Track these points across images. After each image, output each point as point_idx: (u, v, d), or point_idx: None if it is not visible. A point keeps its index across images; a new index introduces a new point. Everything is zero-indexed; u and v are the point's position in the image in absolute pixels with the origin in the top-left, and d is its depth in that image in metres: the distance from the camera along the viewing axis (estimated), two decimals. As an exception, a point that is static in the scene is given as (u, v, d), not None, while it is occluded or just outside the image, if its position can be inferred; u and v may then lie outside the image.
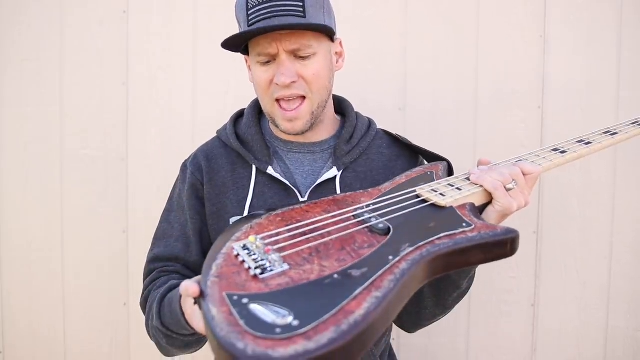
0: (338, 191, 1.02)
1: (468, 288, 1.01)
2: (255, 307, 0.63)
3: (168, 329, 0.90)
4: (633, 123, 1.03)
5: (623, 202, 1.48)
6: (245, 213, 1.01)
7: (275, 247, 0.74)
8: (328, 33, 0.99)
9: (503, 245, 0.78)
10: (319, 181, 1.02)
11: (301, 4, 0.92)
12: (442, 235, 0.77)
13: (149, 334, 1.00)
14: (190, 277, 1.01)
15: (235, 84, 1.54)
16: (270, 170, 1.03)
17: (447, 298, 1.01)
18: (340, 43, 1.06)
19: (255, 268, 0.69)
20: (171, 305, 0.88)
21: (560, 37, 1.48)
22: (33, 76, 1.57)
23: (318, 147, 1.07)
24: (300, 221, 0.82)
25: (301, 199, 1.02)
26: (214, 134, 1.14)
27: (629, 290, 1.49)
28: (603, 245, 1.49)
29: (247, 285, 0.67)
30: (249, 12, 0.93)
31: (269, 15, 0.91)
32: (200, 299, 0.68)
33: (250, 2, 0.93)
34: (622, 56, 1.45)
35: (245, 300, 0.63)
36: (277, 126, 1.03)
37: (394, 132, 1.14)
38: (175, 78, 1.56)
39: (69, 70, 1.57)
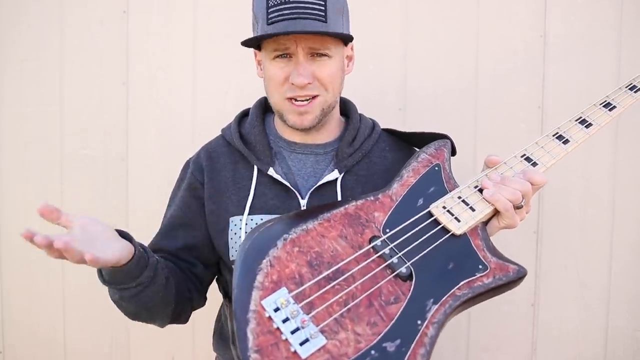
0: (338, 194, 1.02)
1: None
2: None
3: (107, 283, 0.91)
4: (629, 88, 1.03)
5: (623, 202, 1.48)
6: (246, 213, 1.02)
7: (310, 315, 0.75)
8: (348, 40, 1.00)
9: (512, 284, 0.85)
10: (319, 183, 1.02)
11: (323, 7, 0.93)
12: (461, 284, 0.82)
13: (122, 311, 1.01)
14: (173, 264, 1.04)
15: (235, 84, 1.54)
16: (271, 171, 1.03)
17: None
18: (352, 47, 1.07)
19: (294, 343, 0.72)
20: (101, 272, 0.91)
21: (560, 37, 1.48)
22: (33, 76, 1.57)
23: (321, 149, 1.08)
24: (320, 254, 0.82)
25: (302, 201, 1.02)
26: (215, 134, 1.15)
27: (629, 290, 1.49)
28: (603, 245, 1.49)
29: None
30: (269, 10, 0.93)
31: (292, 15, 0.91)
32: None
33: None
34: (622, 56, 1.45)
35: None
36: (284, 121, 1.02)
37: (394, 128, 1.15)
38: (175, 78, 1.56)
39: (69, 70, 1.57)
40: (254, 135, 1.07)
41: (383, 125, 1.17)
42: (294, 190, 1.02)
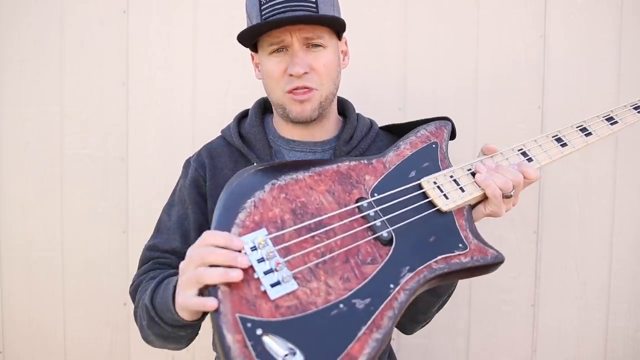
0: None
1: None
2: (268, 341, 0.67)
3: (154, 308, 0.88)
4: (634, 107, 1.03)
5: (623, 202, 1.48)
6: None
7: (285, 259, 0.75)
8: (340, 28, 1.02)
9: (488, 268, 0.84)
10: None
11: (314, 0, 0.95)
12: (439, 258, 0.82)
13: (135, 317, 0.99)
14: None
15: (235, 84, 1.54)
16: None
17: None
18: (346, 42, 1.09)
19: (266, 283, 0.71)
20: (168, 285, 0.86)
21: (560, 37, 1.48)
22: (33, 76, 1.57)
23: (320, 146, 1.08)
24: (305, 204, 0.82)
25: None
26: (215, 134, 1.15)
27: (629, 290, 1.49)
28: (603, 245, 1.49)
29: (258, 304, 0.70)
30: (262, 8, 0.95)
31: (284, 9, 0.94)
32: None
33: None
34: (622, 56, 1.46)
35: (259, 332, 0.67)
36: (286, 115, 1.03)
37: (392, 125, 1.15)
38: (175, 78, 1.56)
39: (69, 70, 1.57)
40: (253, 134, 1.08)
41: (383, 124, 1.17)
42: None
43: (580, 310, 1.50)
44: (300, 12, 0.94)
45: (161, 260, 1.05)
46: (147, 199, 1.56)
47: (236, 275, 0.70)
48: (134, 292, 1.02)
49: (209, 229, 1.05)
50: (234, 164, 1.07)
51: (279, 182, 0.83)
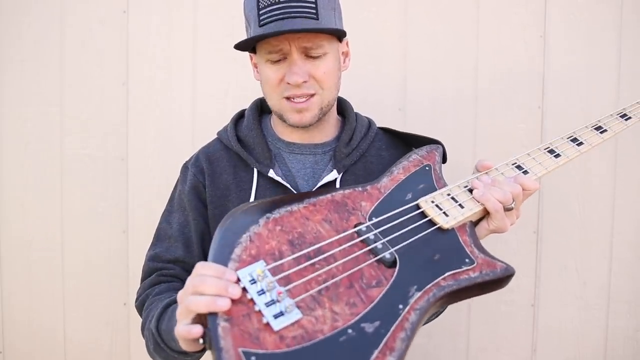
0: None
1: None
2: None
3: (160, 335, 0.89)
4: (621, 116, 1.04)
5: (623, 202, 1.47)
6: None
7: (286, 288, 0.73)
8: (341, 35, 1.00)
9: (500, 283, 0.82)
10: (319, 184, 1.02)
11: (314, 4, 0.92)
12: (446, 274, 0.80)
13: (142, 333, 0.99)
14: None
15: (235, 84, 1.54)
16: (271, 173, 1.02)
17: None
18: (347, 43, 1.07)
19: (268, 315, 0.69)
20: (173, 312, 0.85)
21: (560, 37, 1.48)
22: (33, 76, 1.57)
23: (320, 148, 1.08)
24: (303, 235, 0.81)
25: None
26: (214, 135, 1.14)
27: (629, 290, 1.49)
28: (603, 245, 1.49)
29: (262, 337, 0.67)
30: (260, 12, 0.93)
31: (282, 16, 0.91)
32: (210, 342, 0.67)
33: (261, 1, 0.93)
34: (622, 56, 1.45)
35: None
36: (284, 121, 1.02)
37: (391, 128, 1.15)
38: (175, 78, 1.56)
39: (69, 70, 1.57)
40: (251, 137, 1.07)
41: (382, 125, 1.17)
42: (294, 191, 1.02)
43: (580, 310, 1.50)
44: (299, 20, 0.91)
45: (165, 271, 1.04)
46: (147, 199, 1.56)
47: (224, 305, 0.67)
48: (140, 307, 1.01)
49: (210, 235, 1.05)
50: (233, 168, 1.06)
51: (273, 216, 0.82)
